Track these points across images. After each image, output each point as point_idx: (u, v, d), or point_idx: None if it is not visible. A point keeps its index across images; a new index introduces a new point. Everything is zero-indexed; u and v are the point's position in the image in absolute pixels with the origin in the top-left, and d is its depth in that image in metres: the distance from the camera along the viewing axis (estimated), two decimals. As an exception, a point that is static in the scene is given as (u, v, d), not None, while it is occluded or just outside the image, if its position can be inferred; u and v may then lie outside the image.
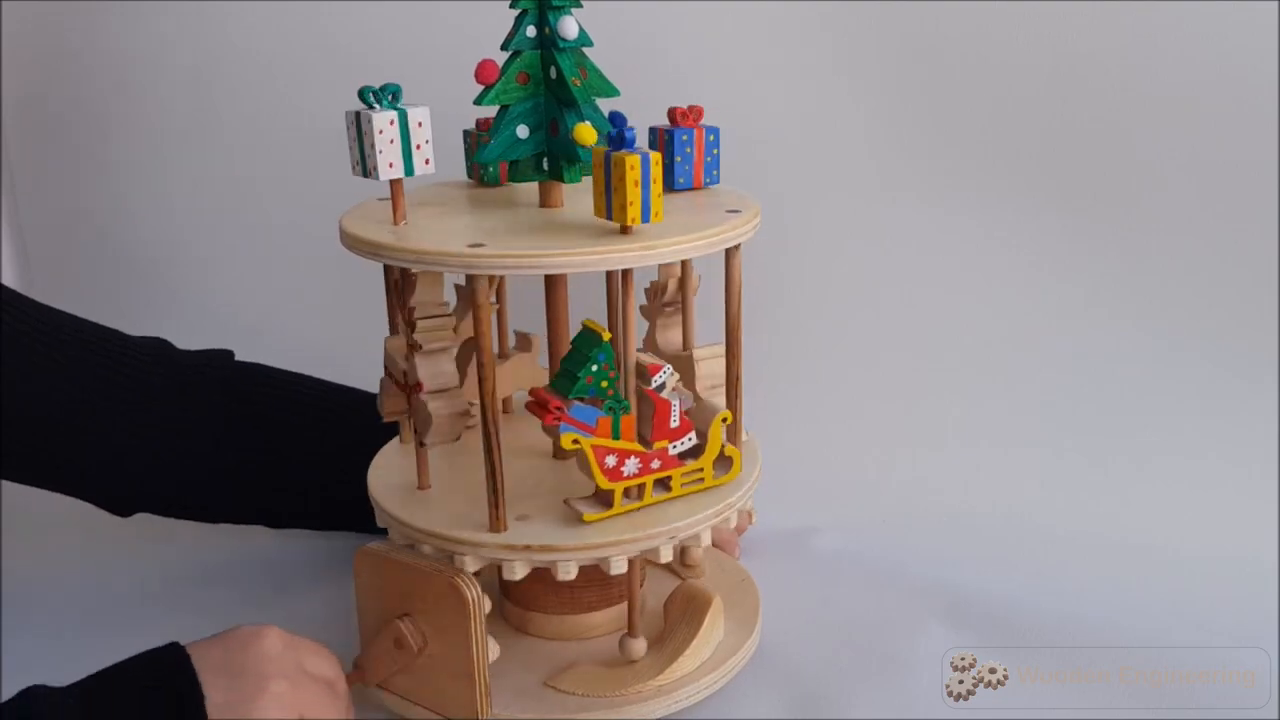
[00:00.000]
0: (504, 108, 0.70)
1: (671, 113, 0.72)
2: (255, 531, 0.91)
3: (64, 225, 1.16)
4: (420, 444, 0.71)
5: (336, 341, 0.88)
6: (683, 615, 0.75)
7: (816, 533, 0.92)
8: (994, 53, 0.99)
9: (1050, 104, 0.99)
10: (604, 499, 0.68)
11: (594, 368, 0.66)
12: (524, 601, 0.77)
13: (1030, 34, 0.98)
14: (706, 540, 0.70)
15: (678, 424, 0.69)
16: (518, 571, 0.67)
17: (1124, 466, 0.98)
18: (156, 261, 1.15)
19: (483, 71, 0.68)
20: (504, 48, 0.69)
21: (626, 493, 0.68)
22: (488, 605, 0.66)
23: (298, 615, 0.82)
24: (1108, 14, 0.96)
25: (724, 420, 0.71)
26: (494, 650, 0.67)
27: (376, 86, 0.65)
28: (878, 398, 1.05)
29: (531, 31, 0.69)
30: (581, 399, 0.66)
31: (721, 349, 0.74)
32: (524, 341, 0.85)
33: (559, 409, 0.66)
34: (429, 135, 0.66)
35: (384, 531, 0.73)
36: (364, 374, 0.79)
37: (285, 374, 0.89)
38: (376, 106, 0.65)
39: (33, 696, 0.58)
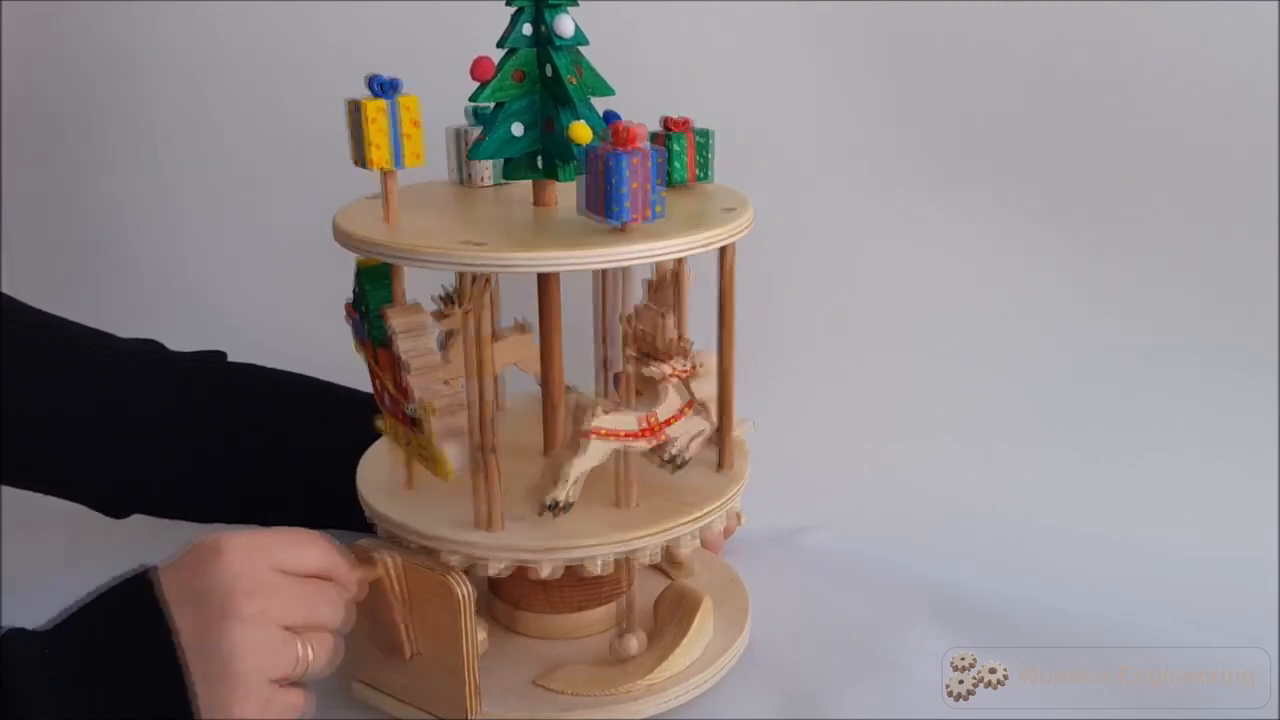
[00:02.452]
0: (499, 105, 0.70)
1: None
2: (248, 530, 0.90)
3: (53, 226, 1.15)
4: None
5: (330, 341, 0.88)
6: (672, 615, 0.75)
7: (806, 531, 0.92)
8: (985, 52, 1.00)
9: (1043, 103, 1.00)
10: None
11: (355, 288, 0.70)
12: (513, 600, 0.77)
13: (1022, 34, 0.98)
14: (694, 544, 0.70)
15: (404, 384, 0.68)
16: (491, 569, 0.67)
17: (1120, 465, 0.99)
18: (147, 262, 1.15)
19: (478, 68, 0.68)
20: (500, 45, 0.69)
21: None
22: (484, 638, 0.67)
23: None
24: (1099, 14, 0.97)
25: (430, 411, 0.67)
26: (482, 637, 0.67)
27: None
28: (869, 396, 1.05)
29: (528, 29, 0.69)
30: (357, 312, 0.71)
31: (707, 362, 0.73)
32: (519, 326, 0.84)
33: (350, 310, 0.71)
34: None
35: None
36: (358, 373, 0.79)
37: (277, 373, 0.89)
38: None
39: (6, 637, 0.56)
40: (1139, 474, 0.97)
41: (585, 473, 0.67)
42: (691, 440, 0.71)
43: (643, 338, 0.71)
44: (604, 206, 0.61)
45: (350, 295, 0.71)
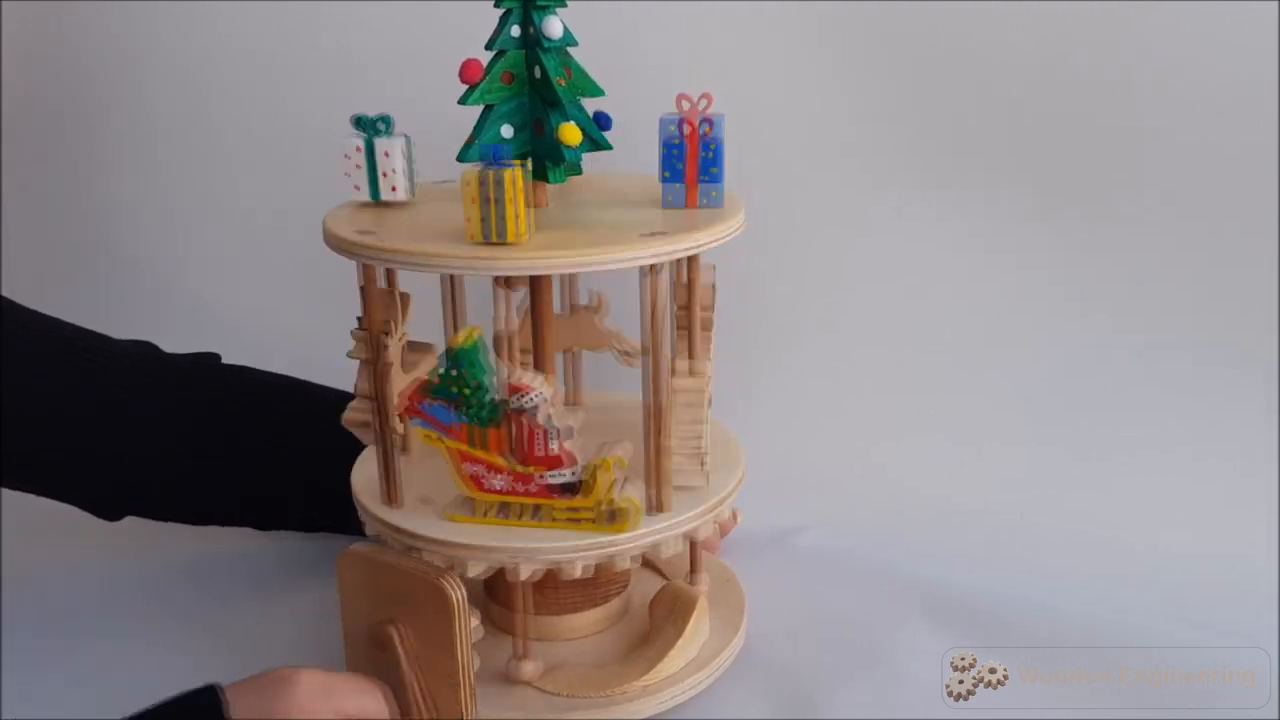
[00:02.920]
0: (488, 107, 0.70)
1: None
2: (241, 533, 0.91)
3: (49, 227, 1.15)
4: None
5: (324, 343, 0.88)
6: (668, 615, 0.75)
7: (801, 531, 0.92)
8: (978, 51, 1.00)
9: (1035, 101, 1.00)
10: (467, 506, 0.68)
11: (449, 371, 0.65)
12: (508, 602, 0.77)
13: (1014, 33, 0.98)
14: (677, 548, 0.70)
15: (550, 454, 0.65)
16: (471, 570, 0.67)
17: (1114, 463, 0.99)
18: (142, 263, 1.14)
19: (467, 71, 0.68)
20: (488, 47, 0.69)
21: (502, 508, 0.68)
22: (478, 624, 0.66)
23: (283, 617, 0.82)
24: (1091, 13, 0.96)
25: (606, 466, 0.66)
26: (475, 624, 0.67)
27: (374, 116, 0.68)
28: (862, 395, 1.05)
29: (516, 31, 0.69)
30: (437, 399, 0.65)
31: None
32: (595, 301, 0.84)
33: (414, 401, 0.66)
34: (399, 165, 0.68)
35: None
36: (351, 376, 0.79)
37: (271, 376, 0.89)
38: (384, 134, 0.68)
39: None
40: (1133, 472, 0.97)
41: None
42: None
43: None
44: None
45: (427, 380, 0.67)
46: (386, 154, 0.69)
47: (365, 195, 0.70)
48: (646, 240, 0.63)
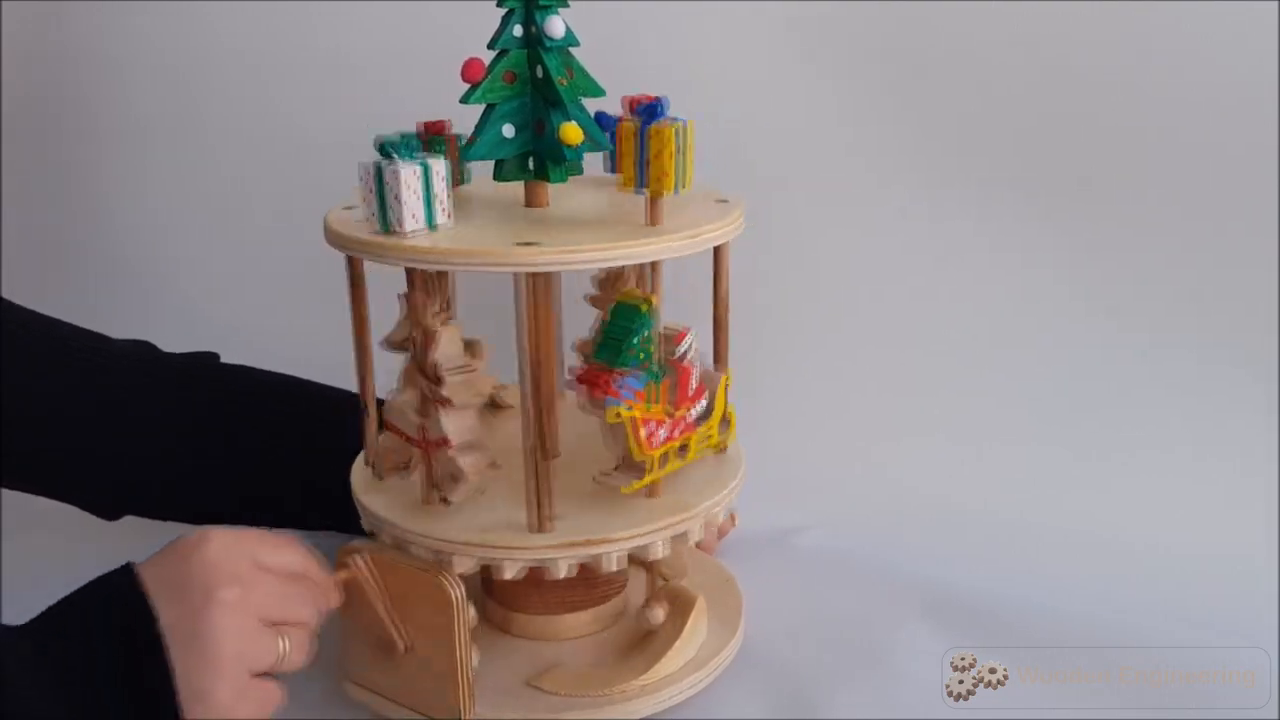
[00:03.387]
0: (490, 106, 0.70)
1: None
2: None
3: (43, 227, 1.15)
4: (444, 500, 0.70)
5: (321, 342, 0.88)
6: (667, 615, 0.75)
7: (799, 532, 0.92)
8: (979, 50, 1.00)
9: (1039, 101, 1.00)
10: (636, 469, 0.68)
11: (635, 339, 0.66)
12: (507, 601, 0.77)
13: (1015, 32, 0.98)
14: (664, 551, 0.70)
15: (696, 389, 0.70)
16: (464, 567, 0.67)
17: (1115, 463, 0.99)
18: (140, 263, 1.14)
19: (469, 70, 0.68)
20: (490, 46, 0.69)
21: (662, 460, 0.70)
22: (473, 614, 0.66)
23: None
24: (1095, 11, 0.97)
25: (727, 382, 0.73)
26: (472, 614, 0.67)
27: (394, 137, 0.65)
28: (862, 395, 1.05)
29: (518, 30, 0.69)
30: (626, 370, 0.67)
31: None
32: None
33: (606, 383, 0.66)
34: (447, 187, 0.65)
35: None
36: (349, 374, 0.79)
37: (269, 375, 0.88)
38: (396, 158, 0.63)
39: None
40: (1133, 472, 0.97)
41: None
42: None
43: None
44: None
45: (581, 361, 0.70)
46: (441, 175, 0.64)
47: (421, 224, 0.64)
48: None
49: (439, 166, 0.64)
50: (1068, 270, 1.03)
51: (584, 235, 0.64)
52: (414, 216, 0.63)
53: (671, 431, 0.69)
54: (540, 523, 0.67)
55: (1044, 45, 0.99)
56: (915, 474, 0.99)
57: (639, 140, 0.63)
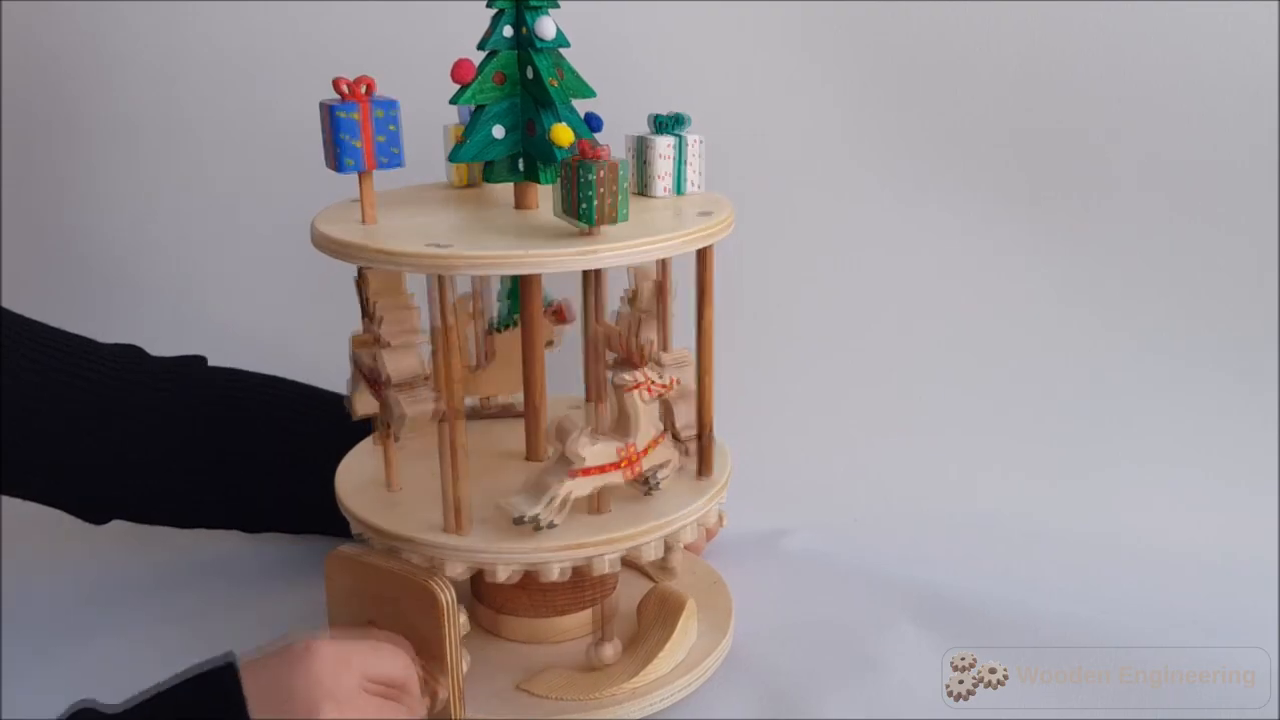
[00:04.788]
0: (480, 107, 0.69)
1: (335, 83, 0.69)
2: (229, 535, 0.90)
3: (32, 228, 1.14)
4: (393, 438, 0.71)
5: (312, 344, 0.88)
6: (656, 618, 0.75)
7: (787, 534, 0.92)
8: (973, 52, 1.00)
9: (1032, 102, 1.00)
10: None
11: None
12: (496, 604, 0.77)
13: (1009, 33, 0.99)
14: (659, 552, 0.70)
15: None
16: (449, 570, 0.67)
17: (1112, 463, 0.99)
18: (127, 267, 1.13)
19: (459, 70, 0.68)
20: (480, 47, 0.69)
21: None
22: (464, 620, 0.66)
23: (272, 618, 0.82)
24: (1086, 13, 0.97)
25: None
26: (463, 620, 0.67)
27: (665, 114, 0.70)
28: (850, 398, 1.05)
29: (509, 31, 0.68)
30: None
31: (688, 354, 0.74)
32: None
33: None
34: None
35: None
36: (339, 376, 0.79)
37: (258, 378, 0.88)
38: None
39: (79, 715, 0.57)
40: (1131, 471, 0.98)
41: (571, 501, 0.66)
42: (660, 468, 0.69)
43: (617, 342, 0.71)
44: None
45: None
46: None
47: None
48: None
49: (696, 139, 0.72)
50: (1060, 271, 1.03)
51: (515, 241, 0.63)
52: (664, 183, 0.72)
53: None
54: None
55: (1042, 46, 0.99)
56: (904, 476, 0.99)
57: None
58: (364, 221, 0.67)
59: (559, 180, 0.64)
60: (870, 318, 1.06)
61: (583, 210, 0.62)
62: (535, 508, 0.65)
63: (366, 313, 0.71)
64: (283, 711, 0.57)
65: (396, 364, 0.69)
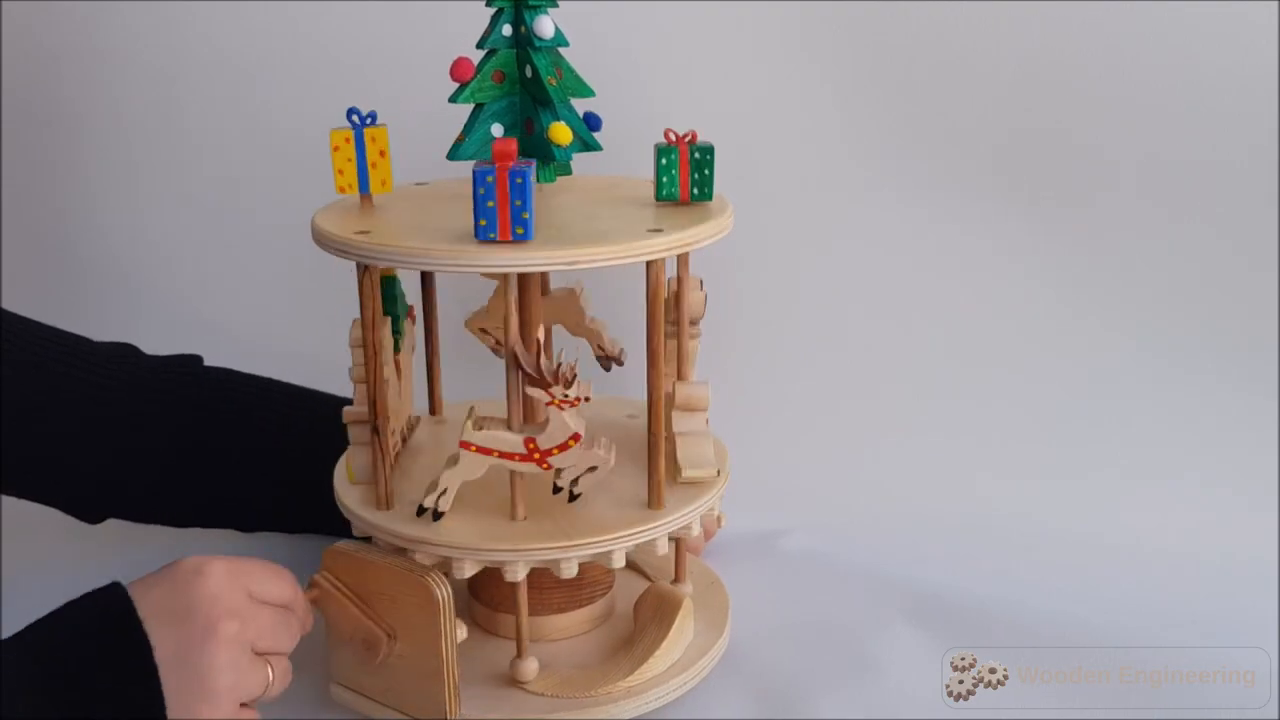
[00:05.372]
0: (478, 106, 0.70)
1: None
2: (225, 534, 0.90)
3: (28, 228, 1.14)
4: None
5: (308, 344, 0.88)
6: (653, 617, 0.75)
7: (784, 534, 0.92)
8: (973, 53, 1.00)
9: (1028, 103, 1.00)
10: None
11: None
12: (493, 602, 0.77)
13: (1009, 34, 0.99)
14: (666, 548, 0.71)
15: None
16: (468, 570, 0.67)
17: (1110, 463, 0.99)
18: (123, 265, 1.13)
19: (458, 69, 0.68)
20: (479, 46, 0.69)
21: None
22: (463, 632, 0.67)
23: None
24: (1085, 14, 0.97)
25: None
26: (462, 633, 0.67)
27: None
28: (849, 398, 1.05)
29: (507, 30, 0.69)
30: None
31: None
32: (577, 285, 0.84)
33: None
34: None
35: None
36: (336, 376, 0.79)
37: (253, 378, 0.88)
38: None
39: None
40: (1130, 471, 0.98)
41: (458, 483, 0.67)
42: (582, 474, 0.68)
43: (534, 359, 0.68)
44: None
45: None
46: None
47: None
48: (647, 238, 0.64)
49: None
50: (1059, 271, 1.03)
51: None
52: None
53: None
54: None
55: (1041, 47, 0.99)
56: (901, 476, 0.99)
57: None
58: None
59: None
60: (868, 318, 1.06)
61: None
62: (428, 498, 0.67)
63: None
64: (180, 627, 0.57)
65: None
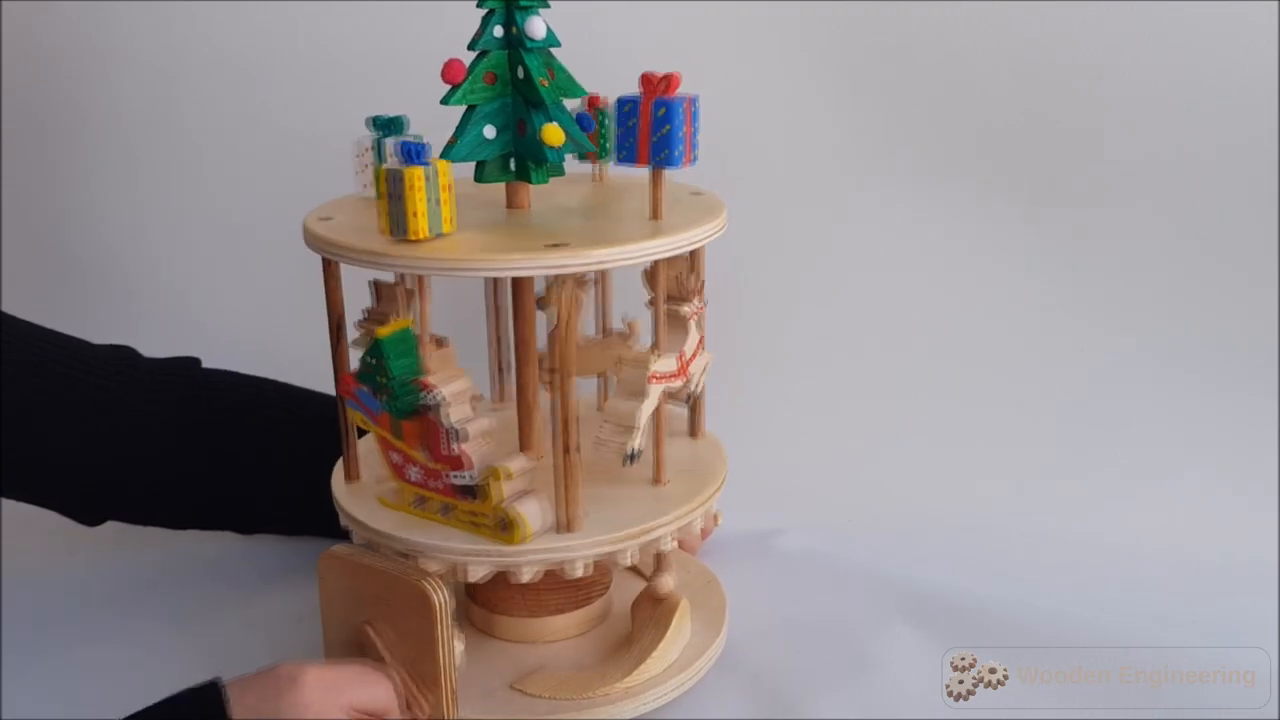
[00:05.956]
0: (470, 107, 0.69)
1: (642, 79, 0.68)
2: (222, 536, 0.90)
3: (25, 228, 1.14)
4: None
5: (305, 346, 0.87)
6: (650, 617, 0.75)
7: (781, 534, 0.92)
8: (972, 53, 1.00)
9: (1029, 105, 1.00)
10: (396, 493, 0.70)
11: (369, 359, 0.66)
12: (490, 604, 0.77)
13: (1002, 32, 0.99)
14: (673, 544, 0.71)
15: (450, 454, 0.66)
16: (473, 574, 0.67)
17: (1110, 464, 0.99)
18: (121, 268, 1.14)
19: (449, 71, 0.68)
20: (471, 47, 0.69)
21: (420, 501, 0.69)
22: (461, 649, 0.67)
23: (265, 619, 0.82)
24: (1085, 14, 0.97)
25: (498, 477, 0.65)
26: (460, 645, 0.67)
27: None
28: (846, 398, 1.05)
29: (499, 31, 0.68)
30: (365, 385, 0.67)
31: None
32: (627, 328, 0.84)
33: (349, 384, 0.68)
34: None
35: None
36: (329, 377, 0.79)
37: (251, 379, 0.88)
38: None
39: None
40: (1130, 472, 0.98)
41: (645, 419, 0.69)
42: (702, 373, 0.74)
43: (670, 283, 0.72)
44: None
45: (357, 365, 0.68)
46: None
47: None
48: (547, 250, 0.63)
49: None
50: (1058, 272, 1.03)
51: (518, 242, 0.63)
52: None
53: (425, 480, 0.68)
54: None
55: (1041, 47, 0.99)
56: (896, 476, 0.99)
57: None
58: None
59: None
60: (866, 317, 1.05)
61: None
62: (635, 439, 0.68)
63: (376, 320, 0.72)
64: None
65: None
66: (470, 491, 0.66)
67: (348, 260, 0.65)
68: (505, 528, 0.66)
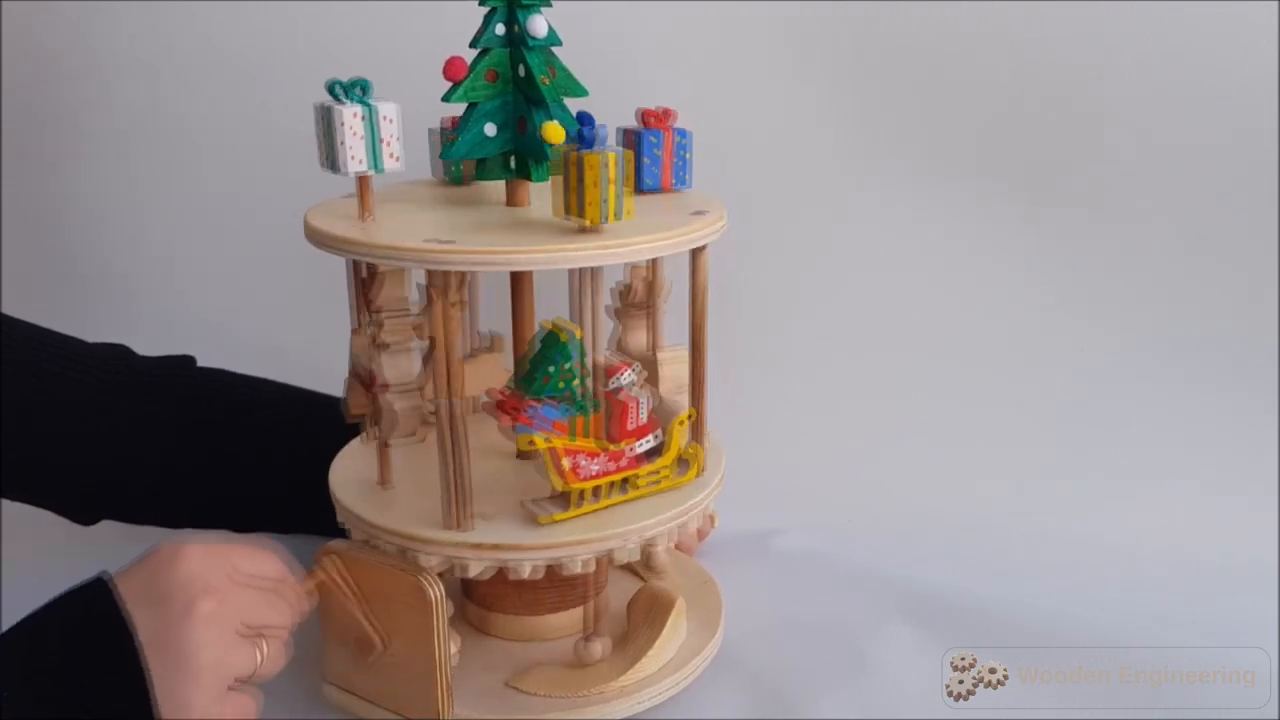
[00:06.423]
0: (471, 105, 0.70)
1: (642, 115, 0.72)
2: (219, 536, 0.90)
3: (22, 227, 1.14)
4: (383, 442, 0.71)
5: (301, 345, 0.88)
6: (646, 617, 0.75)
7: (778, 534, 0.92)
8: (973, 54, 1.00)
9: (1029, 106, 1.00)
10: (562, 500, 0.68)
11: (552, 368, 0.66)
12: (486, 602, 0.77)
13: (1002, 32, 0.99)
14: (668, 542, 0.70)
15: (640, 424, 0.69)
16: (472, 570, 0.67)
17: (1109, 463, 0.99)
18: (116, 266, 1.14)
19: (451, 68, 0.68)
20: (473, 45, 0.69)
21: (594, 494, 0.68)
22: (450, 609, 0.66)
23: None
24: (1084, 14, 0.97)
25: (683, 421, 0.71)
26: (455, 646, 0.67)
27: (345, 80, 0.64)
28: (843, 398, 1.05)
29: (500, 29, 0.69)
30: (541, 399, 0.66)
31: (685, 351, 0.74)
32: (490, 342, 0.84)
33: (515, 410, 0.66)
34: (398, 132, 0.65)
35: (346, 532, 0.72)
36: (330, 376, 0.78)
37: (246, 379, 0.88)
38: (344, 101, 0.64)
39: None
40: (1129, 472, 0.98)
41: None
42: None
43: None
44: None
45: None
46: (388, 119, 0.64)
47: (365, 167, 0.65)
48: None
49: (387, 110, 0.64)
50: (1058, 272, 1.03)
51: (513, 238, 0.63)
52: (357, 159, 0.64)
53: (607, 465, 0.68)
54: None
55: (1041, 48, 0.99)
56: (895, 476, 0.99)
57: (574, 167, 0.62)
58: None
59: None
60: (866, 317, 1.05)
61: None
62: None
63: (368, 314, 0.71)
64: (159, 609, 0.57)
65: (395, 367, 0.70)
66: (654, 453, 0.70)
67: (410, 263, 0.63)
68: (685, 467, 0.71)
